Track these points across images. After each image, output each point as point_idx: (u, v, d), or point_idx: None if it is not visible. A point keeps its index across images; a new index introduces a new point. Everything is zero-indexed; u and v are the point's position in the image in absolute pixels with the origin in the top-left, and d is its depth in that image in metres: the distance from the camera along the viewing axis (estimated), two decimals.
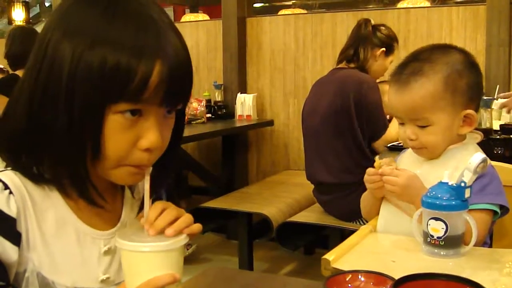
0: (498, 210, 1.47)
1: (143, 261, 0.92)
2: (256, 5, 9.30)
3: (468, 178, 1.33)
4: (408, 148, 1.59)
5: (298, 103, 4.56)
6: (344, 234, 3.00)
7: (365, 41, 3.21)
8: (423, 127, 1.50)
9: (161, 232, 0.93)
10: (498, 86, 3.16)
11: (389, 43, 3.27)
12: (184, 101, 1.00)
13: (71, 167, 0.96)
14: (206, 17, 6.90)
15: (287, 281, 1.55)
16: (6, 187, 0.95)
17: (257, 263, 3.85)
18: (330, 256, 1.30)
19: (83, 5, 0.95)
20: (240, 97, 4.62)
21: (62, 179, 1.00)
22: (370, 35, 3.23)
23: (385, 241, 1.52)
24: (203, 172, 4.57)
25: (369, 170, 1.56)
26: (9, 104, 0.99)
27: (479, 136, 1.59)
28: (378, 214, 1.61)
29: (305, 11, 7.49)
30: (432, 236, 1.33)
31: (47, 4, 10.28)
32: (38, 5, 10.40)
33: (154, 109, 0.94)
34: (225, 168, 4.78)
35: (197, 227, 0.97)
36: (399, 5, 7.31)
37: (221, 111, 4.64)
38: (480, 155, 1.35)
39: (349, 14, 4.40)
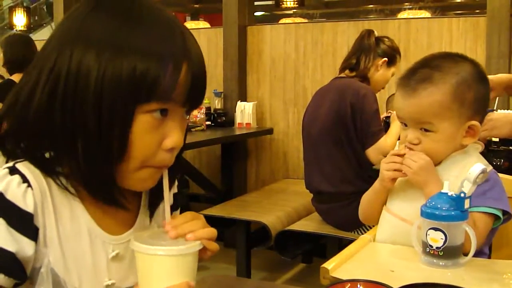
0: (501, 215, 1.47)
1: (158, 265, 0.93)
2: (257, 13, 9.31)
3: (468, 188, 1.34)
4: None
5: (297, 111, 4.56)
6: (342, 244, 3.00)
7: (367, 51, 3.23)
8: (426, 131, 1.50)
9: (182, 237, 0.95)
10: (497, 98, 3.16)
11: (392, 54, 3.28)
12: (201, 102, 1.03)
13: (97, 168, 0.96)
14: (207, 24, 6.92)
15: None
16: (24, 180, 0.95)
17: (255, 271, 3.85)
18: (329, 265, 1.30)
19: (101, 14, 0.97)
20: (240, 105, 4.63)
21: (82, 179, 0.99)
22: (373, 45, 3.24)
23: (384, 250, 1.52)
24: (201, 179, 4.57)
25: (392, 151, 1.56)
26: (21, 108, 0.98)
27: (479, 146, 1.59)
28: (375, 216, 1.61)
29: (306, 20, 7.51)
30: (431, 246, 1.33)
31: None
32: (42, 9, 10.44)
33: (178, 110, 0.97)
34: (224, 175, 4.77)
35: (216, 245, 1.00)
36: (400, 15, 7.34)
37: (221, 118, 4.65)
38: (480, 165, 1.36)
39: (350, 24, 4.42)
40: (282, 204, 3.71)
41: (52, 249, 0.98)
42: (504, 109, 3.31)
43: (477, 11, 8.99)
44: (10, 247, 0.92)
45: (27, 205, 0.94)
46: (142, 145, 0.95)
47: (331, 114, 3.12)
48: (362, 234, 1.60)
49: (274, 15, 10.47)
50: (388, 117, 3.37)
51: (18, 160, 0.98)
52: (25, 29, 8.74)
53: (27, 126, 0.97)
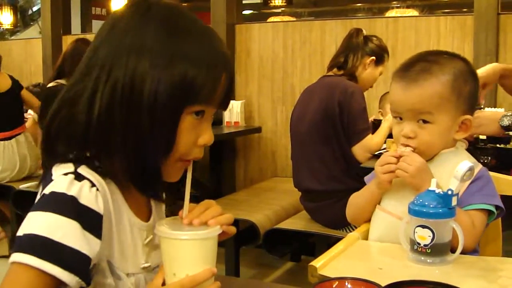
0: (495, 211, 1.49)
1: (182, 249, 1.02)
2: (245, 12, 9.31)
3: (455, 186, 1.34)
4: None
5: (286, 110, 4.56)
6: (330, 242, 3.00)
7: (355, 49, 3.23)
8: (424, 122, 1.50)
9: (203, 224, 1.05)
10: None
11: (380, 53, 3.29)
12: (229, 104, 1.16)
13: (147, 163, 1.06)
14: None
15: (274, 287, 1.55)
16: (93, 184, 1.03)
17: (243, 270, 3.84)
18: (317, 263, 1.30)
19: (151, 25, 1.06)
20: None
21: (122, 173, 1.08)
22: (361, 44, 3.25)
23: (372, 248, 1.52)
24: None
25: (386, 153, 1.56)
26: (72, 109, 1.06)
27: (464, 144, 1.61)
28: (366, 218, 1.61)
29: (294, 19, 7.51)
30: (419, 244, 1.33)
31: (34, 8, 10.25)
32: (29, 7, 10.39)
33: (211, 111, 1.10)
34: (213, 174, 4.77)
35: (234, 229, 1.11)
36: (388, 14, 7.36)
37: None
38: (467, 163, 1.36)
39: (338, 22, 4.42)
40: (270, 202, 3.71)
41: (111, 243, 1.07)
42: (491, 107, 3.34)
43: (465, 9, 9.01)
44: (85, 250, 0.99)
45: (99, 207, 1.03)
46: (184, 142, 1.07)
47: (319, 112, 3.12)
48: (351, 232, 1.60)
49: (262, 13, 10.46)
50: (377, 120, 3.37)
51: (68, 166, 1.05)
52: (12, 27, 8.69)
53: (86, 131, 1.05)
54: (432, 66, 1.52)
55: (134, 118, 1.03)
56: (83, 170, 1.04)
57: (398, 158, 1.50)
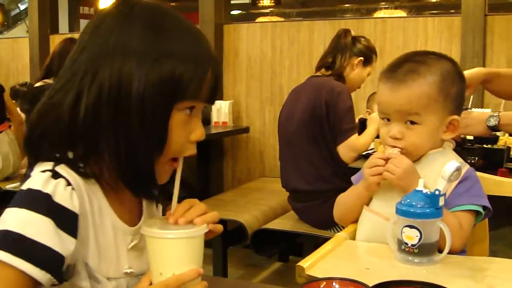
0: (482, 212, 1.49)
1: (167, 248, 1.02)
2: (234, 12, 9.30)
3: (442, 186, 1.34)
4: None
5: (274, 110, 4.56)
6: (318, 242, 3.00)
7: (343, 50, 3.23)
8: (412, 123, 1.50)
9: (189, 223, 1.05)
10: (472, 96, 3.19)
11: (368, 54, 3.29)
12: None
13: (138, 163, 1.06)
14: None
15: None
16: (68, 183, 1.03)
17: (231, 270, 3.84)
18: (304, 263, 1.30)
19: (135, 26, 1.06)
20: (216, 103, 4.57)
21: (107, 173, 1.08)
22: (349, 45, 3.25)
23: (359, 248, 1.53)
24: None
25: (374, 155, 1.56)
26: (57, 110, 1.05)
27: (451, 144, 1.62)
28: (354, 218, 1.61)
29: (283, 19, 7.52)
30: (407, 244, 1.33)
31: (22, 7, 10.20)
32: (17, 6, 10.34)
33: (200, 106, 1.10)
34: (200, 174, 4.75)
35: (220, 227, 1.11)
36: (376, 15, 7.38)
37: None
38: (454, 163, 1.36)
39: (326, 23, 4.43)
40: (258, 202, 3.71)
41: (87, 245, 1.06)
42: (478, 108, 3.35)
43: (452, 11, 9.06)
44: (58, 248, 0.99)
45: (74, 206, 1.02)
46: (176, 139, 1.07)
47: (306, 112, 3.12)
48: (338, 232, 1.59)
49: (250, 13, 10.46)
50: (363, 119, 3.38)
51: (48, 164, 1.05)
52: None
53: (71, 132, 1.04)
54: (419, 67, 1.52)
55: (123, 118, 1.03)
56: (61, 169, 1.04)
57: (386, 160, 1.50)
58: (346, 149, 3.07)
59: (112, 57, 1.04)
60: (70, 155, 1.07)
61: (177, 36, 1.08)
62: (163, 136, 1.05)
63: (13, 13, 10.51)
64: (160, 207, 1.28)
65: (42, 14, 5.60)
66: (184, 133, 1.09)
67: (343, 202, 1.67)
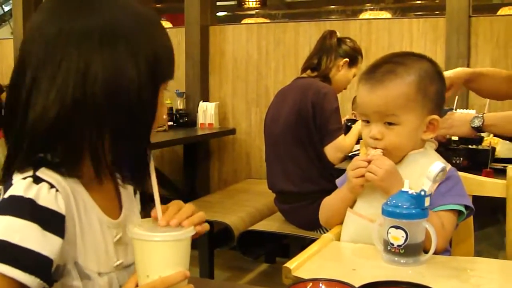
0: (464, 211, 1.50)
1: (155, 250, 1.02)
2: (219, 13, 9.29)
3: (428, 186, 1.35)
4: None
5: (260, 111, 4.56)
6: (304, 243, 3.00)
7: (329, 51, 3.24)
8: (390, 124, 1.51)
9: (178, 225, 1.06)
10: (457, 97, 3.21)
11: (353, 55, 3.30)
12: None
13: (136, 144, 1.13)
14: (169, 24, 6.86)
15: None
16: (51, 186, 1.03)
17: (218, 272, 3.83)
18: (291, 264, 1.30)
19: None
20: (202, 105, 4.60)
21: (86, 168, 1.09)
22: (335, 46, 3.26)
23: (346, 249, 1.53)
24: (164, 180, 4.52)
25: (357, 157, 1.57)
26: (37, 107, 1.04)
27: (433, 145, 1.62)
28: (340, 221, 1.61)
29: (268, 20, 7.52)
30: (392, 244, 1.34)
31: (6, 8, 10.11)
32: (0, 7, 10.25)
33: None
34: (187, 176, 4.74)
35: (207, 226, 1.14)
36: (361, 16, 7.40)
37: (183, 119, 4.61)
38: (440, 164, 1.37)
39: (312, 24, 4.43)
40: (245, 204, 3.71)
41: (75, 244, 1.07)
42: (463, 109, 3.37)
43: (437, 12, 9.11)
44: (45, 251, 0.99)
45: (60, 207, 1.03)
46: (161, 112, 1.15)
47: (293, 114, 3.12)
48: (325, 233, 1.60)
49: (236, 15, 10.44)
50: (350, 120, 3.39)
51: (28, 170, 1.04)
52: None
53: (52, 130, 1.03)
54: (397, 67, 1.53)
55: (115, 106, 1.05)
56: (41, 173, 1.04)
57: (369, 162, 1.51)
58: (333, 150, 3.08)
59: (100, 47, 1.04)
60: (49, 156, 1.06)
61: (153, 24, 1.14)
62: (154, 113, 1.12)
63: None
64: (138, 194, 1.29)
65: (27, 16, 5.56)
66: (165, 107, 1.20)
67: (328, 205, 1.67)
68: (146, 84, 1.07)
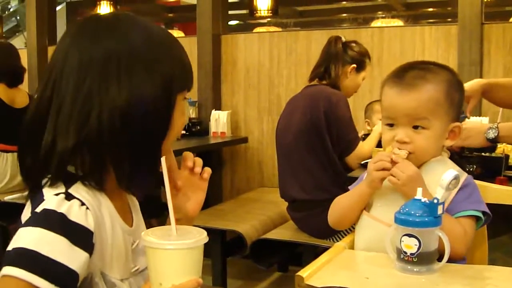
0: (482, 217, 1.51)
1: (168, 258, 1.03)
2: (231, 22, 9.33)
3: (441, 194, 1.34)
4: None
5: (272, 120, 4.56)
6: (317, 251, 3.00)
7: (335, 59, 3.23)
8: (417, 128, 1.51)
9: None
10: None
11: (360, 60, 3.29)
12: None
13: (153, 155, 1.14)
14: (181, 33, 6.90)
15: None
16: (82, 203, 1.07)
17: (230, 281, 3.83)
18: (303, 272, 1.30)
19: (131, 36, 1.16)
20: (215, 114, 4.61)
21: (109, 180, 1.13)
22: (341, 52, 3.24)
23: (359, 257, 1.52)
24: None
25: (380, 153, 1.56)
26: (58, 125, 1.10)
27: (446, 154, 1.63)
28: (351, 222, 1.60)
29: (280, 29, 7.53)
30: (405, 253, 1.33)
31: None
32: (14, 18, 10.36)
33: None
34: None
35: (209, 169, 1.38)
36: (373, 24, 7.39)
37: (195, 128, 4.62)
38: (453, 171, 1.37)
39: (323, 32, 4.43)
40: (257, 212, 3.70)
41: (104, 257, 1.11)
42: (476, 116, 3.36)
43: (449, 19, 9.10)
44: (73, 265, 1.02)
45: (89, 224, 1.06)
46: (179, 124, 1.20)
47: (304, 122, 3.12)
48: (337, 241, 1.59)
49: (248, 24, 10.49)
50: (367, 135, 3.37)
51: (60, 186, 1.09)
52: None
53: (77, 145, 1.09)
54: (426, 74, 1.55)
55: (135, 123, 1.11)
56: (73, 190, 1.08)
57: (392, 161, 1.50)
58: (356, 158, 3.10)
59: (117, 71, 1.10)
60: (72, 169, 1.10)
61: (169, 41, 1.21)
62: (169, 122, 1.16)
63: (10, 25, 10.53)
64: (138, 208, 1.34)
65: (40, 26, 5.61)
66: (183, 118, 1.23)
67: (341, 203, 1.66)
68: (162, 100, 1.13)
